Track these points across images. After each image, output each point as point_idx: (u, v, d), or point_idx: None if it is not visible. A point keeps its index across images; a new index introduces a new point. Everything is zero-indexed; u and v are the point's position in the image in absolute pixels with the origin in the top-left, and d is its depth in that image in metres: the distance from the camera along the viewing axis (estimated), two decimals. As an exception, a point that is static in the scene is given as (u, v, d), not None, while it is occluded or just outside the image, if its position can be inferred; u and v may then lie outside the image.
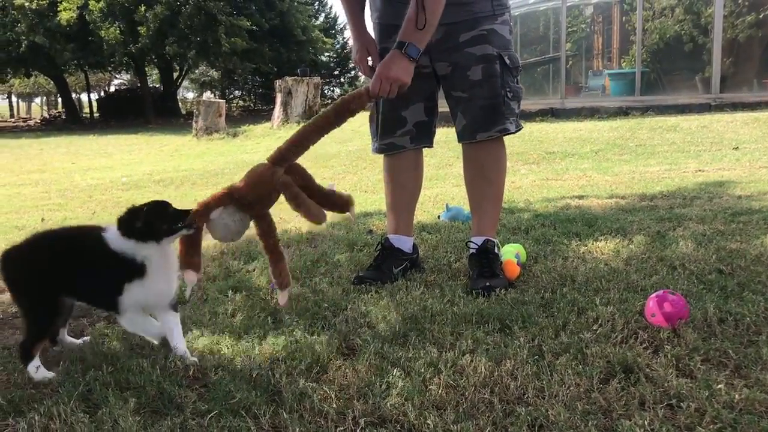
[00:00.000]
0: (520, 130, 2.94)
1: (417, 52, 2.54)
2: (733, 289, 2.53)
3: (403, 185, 3.14)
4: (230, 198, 2.20)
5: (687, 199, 4.56)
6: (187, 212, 2.08)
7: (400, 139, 3.01)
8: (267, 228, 2.33)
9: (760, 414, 1.62)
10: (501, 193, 3.07)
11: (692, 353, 1.96)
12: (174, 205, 2.08)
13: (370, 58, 2.90)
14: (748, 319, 2.19)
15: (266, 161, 2.31)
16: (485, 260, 2.85)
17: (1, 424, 1.75)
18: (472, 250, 2.93)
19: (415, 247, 3.14)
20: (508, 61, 2.80)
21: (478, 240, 2.93)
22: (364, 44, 2.91)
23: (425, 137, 3.06)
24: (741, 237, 3.33)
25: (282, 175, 2.27)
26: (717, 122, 9.94)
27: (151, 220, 2.01)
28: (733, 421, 1.58)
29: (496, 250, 2.91)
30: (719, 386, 1.75)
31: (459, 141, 2.97)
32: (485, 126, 2.84)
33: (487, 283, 2.69)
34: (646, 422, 1.58)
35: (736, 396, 1.69)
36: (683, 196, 4.70)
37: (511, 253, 2.96)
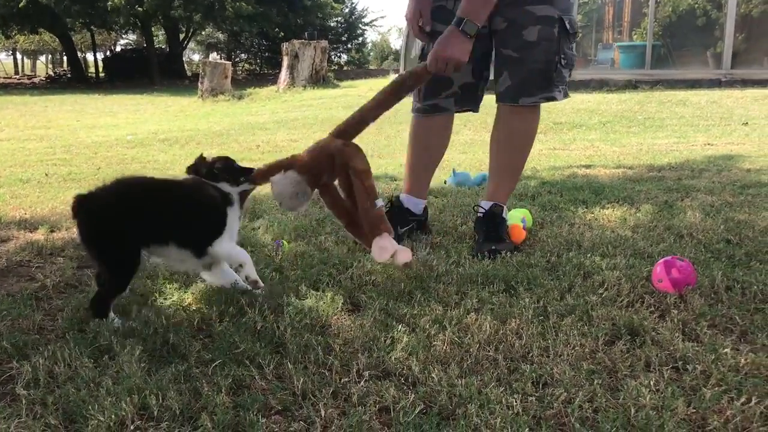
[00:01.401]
0: (566, 98, 2.81)
1: (475, 29, 2.42)
2: (741, 258, 2.51)
3: (428, 147, 3.04)
4: (293, 164, 2.30)
5: (695, 171, 4.53)
6: (250, 170, 2.26)
7: (445, 101, 2.88)
8: (332, 200, 2.47)
9: (765, 378, 1.61)
10: (523, 164, 2.98)
11: (699, 318, 1.96)
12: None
13: (422, 20, 2.79)
14: (755, 287, 2.17)
15: (329, 136, 2.42)
16: (491, 224, 2.82)
17: (5, 367, 1.75)
18: (479, 214, 2.90)
19: (425, 210, 3.09)
20: (568, 26, 2.64)
21: (487, 204, 2.89)
22: (418, 4, 2.80)
23: (471, 101, 2.93)
24: (749, 209, 3.31)
25: (342, 146, 2.36)
26: (727, 98, 9.85)
27: (227, 167, 2.21)
28: (738, 383, 1.58)
29: (504, 215, 2.88)
30: (725, 350, 1.74)
31: (498, 101, 2.84)
32: (531, 90, 2.71)
33: (493, 247, 2.67)
34: (651, 382, 1.58)
35: (742, 360, 1.69)
36: (691, 168, 4.67)
37: (517, 217, 2.95)
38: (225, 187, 2.21)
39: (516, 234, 2.83)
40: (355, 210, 2.44)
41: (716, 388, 1.56)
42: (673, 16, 15.71)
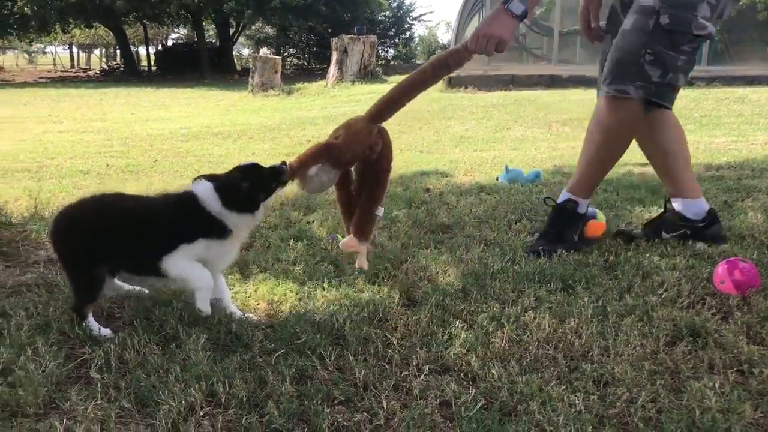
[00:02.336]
0: (655, 102, 2.53)
1: (520, 9, 2.31)
2: (807, 260, 2.45)
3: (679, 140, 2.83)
4: (328, 154, 2.16)
5: (756, 171, 4.41)
6: (279, 170, 2.04)
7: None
8: (344, 182, 2.34)
9: (835, 384, 1.58)
10: (598, 159, 2.72)
11: (764, 321, 1.92)
12: (263, 165, 2.05)
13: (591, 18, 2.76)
14: (822, 290, 2.12)
15: (363, 116, 2.27)
16: (554, 220, 2.76)
17: (78, 352, 1.82)
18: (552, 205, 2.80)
19: (709, 213, 2.79)
20: (665, 21, 2.41)
21: (562, 196, 2.77)
22: (588, 2, 2.78)
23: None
24: (814, 210, 3.22)
25: (377, 139, 2.23)
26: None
27: (253, 193, 2.00)
28: (807, 389, 1.55)
29: (578, 210, 2.74)
30: (792, 355, 1.71)
31: None
32: (607, 79, 2.55)
33: (542, 247, 2.65)
34: (716, 385, 1.56)
35: (810, 365, 1.66)
36: (752, 168, 4.54)
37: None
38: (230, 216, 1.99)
39: (595, 228, 2.80)
40: (357, 196, 2.32)
41: (784, 393, 1.54)
42: (732, 11, 15.30)
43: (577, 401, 1.50)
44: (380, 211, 2.30)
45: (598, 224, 2.81)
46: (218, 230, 1.97)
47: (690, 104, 8.79)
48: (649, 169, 4.62)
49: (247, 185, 1.98)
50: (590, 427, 1.40)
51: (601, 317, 1.98)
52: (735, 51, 14.86)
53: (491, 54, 2.40)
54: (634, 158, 5.31)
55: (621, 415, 1.47)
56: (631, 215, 3.22)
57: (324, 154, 2.15)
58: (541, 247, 2.65)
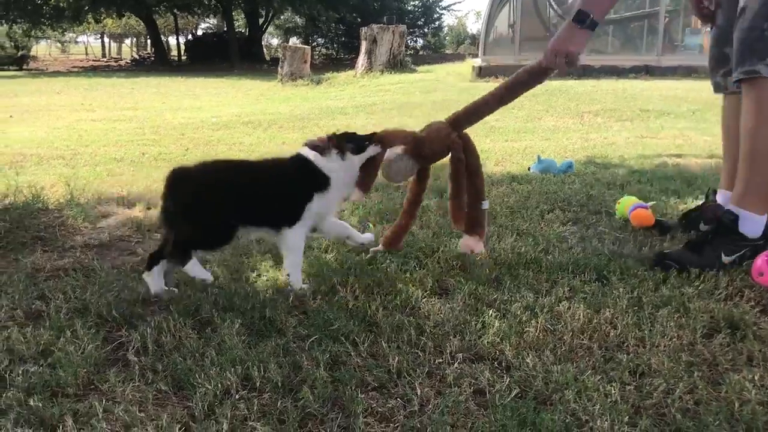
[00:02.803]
0: None
1: (595, 26, 2.28)
2: None
3: (727, 132, 2.75)
4: (412, 142, 2.32)
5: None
6: (371, 135, 2.29)
7: (723, 79, 2.67)
8: (419, 186, 2.48)
9: None
10: (753, 155, 2.35)
11: (804, 314, 1.89)
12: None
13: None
14: None
15: (443, 121, 2.41)
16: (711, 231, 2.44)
17: (115, 335, 1.85)
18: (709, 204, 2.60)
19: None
20: None
21: (723, 200, 2.54)
22: None
23: None
24: None
25: (456, 137, 2.36)
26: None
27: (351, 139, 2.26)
28: None
29: (738, 226, 2.37)
30: (834, 349, 1.68)
31: None
32: (736, 64, 2.34)
33: (667, 260, 2.34)
34: (756, 377, 1.54)
35: None
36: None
37: (631, 201, 2.95)
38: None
39: (643, 217, 2.81)
40: (456, 202, 2.42)
41: (826, 387, 1.51)
42: (768, -1, 14.95)
43: (613, 391, 1.48)
44: (485, 204, 2.43)
45: (647, 213, 2.80)
46: (325, 183, 2.21)
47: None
48: (683, 161, 4.56)
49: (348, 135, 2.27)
50: (627, 417, 1.39)
51: (636, 308, 1.96)
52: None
53: (564, 70, 2.40)
54: (667, 149, 5.25)
55: (658, 406, 1.45)
56: (666, 206, 3.17)
57: (408, 139, 2.33)
58: (665, 258, 2.38)
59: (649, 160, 4.64)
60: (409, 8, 35.01)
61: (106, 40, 50.82)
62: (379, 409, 1.48)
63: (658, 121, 7.44)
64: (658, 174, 3.94)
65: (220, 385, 1.54)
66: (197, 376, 1.58)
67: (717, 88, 2.74)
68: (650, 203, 3.01)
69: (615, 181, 3.78)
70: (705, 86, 9.60)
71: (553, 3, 15.71)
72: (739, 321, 1.85)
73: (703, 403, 1.45)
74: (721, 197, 2.73)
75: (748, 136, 2.35)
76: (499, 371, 1.63)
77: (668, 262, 2.31)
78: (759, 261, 2.16)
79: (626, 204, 2.94)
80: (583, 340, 1.77)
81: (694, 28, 17.65)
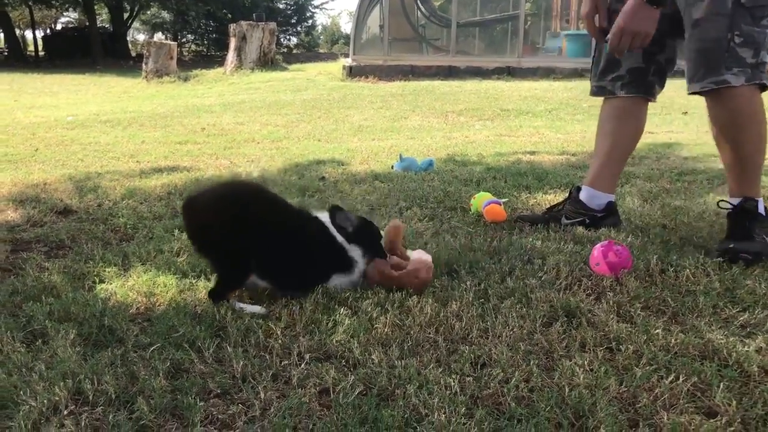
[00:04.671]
0: (760, 85, 2.35)
1: None
2: (675, 242, 2.59)
3: (607, 134, 2.84)
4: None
5: (635, 159, 4.64)
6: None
7: (611, 84, 2.75)
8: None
9: (693, 357, 1.67)
10: (747, 153, 2.44)
11: (633, 300, 2.01)
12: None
13: (597, 17, 2.60)
14: (687, 270, 2.24)
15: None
16: (737, 221, 2.48)
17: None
18: (728, 210, 2.54)
19: (609, 206, 2.85)
20: None
21: (735, 200, 2.51)
22: (594, 2, 2.60)
23: (640, 86, 2.72)
24: (685, 195, 3.42)
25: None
26: (668, 89, 10.08)
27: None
28: (668, 362, 1.63)
29: (760, 209, 2.44)
30: (657, 331, 1.79)
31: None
32: (697, 75, 2.39)
33: (731, 245, 2.37)
34: (585, 362, 1.62)
35: (672, 340, 1.74)
36: (632, 156, 4.76)
37: (485, 197, 3.04)
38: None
39: (496, 212, 2.91)
40: None
41: (647, 367, 1.61)
42: (618, 6, 15.98)
43: (453, 383, 1.51)
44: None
45: (499, 209, 2.90)
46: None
47: (580, 95, 9.14)
48: (537, 158, 4.78)
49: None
50: (464, 408, 1.42)
51: (482, 300, 2.02)
52: (622, 45, 15.51)
53: (635, 50, 2.33)
54: (523, 147, 5.49)
55: (495, 396, 1.50)
56: (517, 201, 3.31)
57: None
58: (725, 248, 2.40)
59: (506, 157, 4.83)
60: (281, 6, 34.70)
61: (-48, 32, 46.80)
62: (220, 416, 1.43)
63: (516, 120, 7.77)
64: (512, 170, 4.10)
65: (47, 401, 1.44)
66: (22, 392, 1.47)
67: (599, 92, 2.83)
68: (503, 199, 3.14)
69: (472, 178, 3.90)
70: (561, 86, 10.15)
71: (420, 5, 16.08)
72: (575, 309, 1.94)
73: (537, 390, 1.51)
74: (584, 193, 2.87)
75: (732, 144, 2.44)
76: (345, 369, 1.62)
77: (744, 255, 2.31)
78: (596, 252, 2.29)
79: (480, 200, 3.03)
80: (429, 333, 1.80)
81: (554, 32, 18.61)
